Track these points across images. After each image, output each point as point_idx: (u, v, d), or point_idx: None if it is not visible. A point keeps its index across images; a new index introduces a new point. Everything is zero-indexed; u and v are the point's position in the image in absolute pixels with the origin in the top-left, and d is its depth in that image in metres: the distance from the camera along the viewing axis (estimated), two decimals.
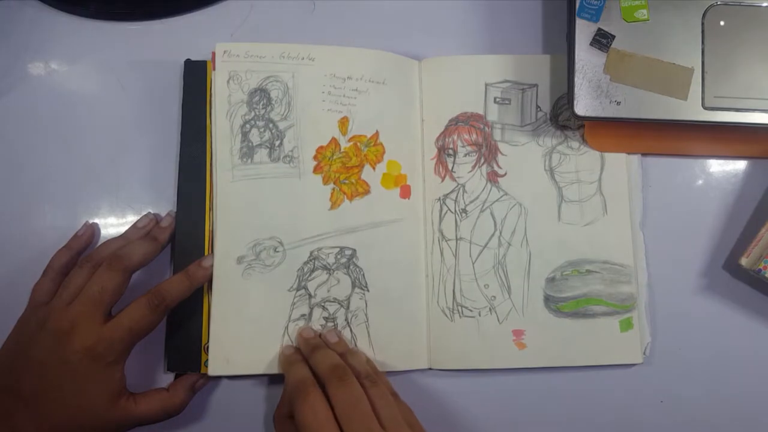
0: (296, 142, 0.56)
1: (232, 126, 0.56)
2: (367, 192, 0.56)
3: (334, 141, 0.56)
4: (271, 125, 0.56)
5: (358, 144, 0.56)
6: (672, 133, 0.58)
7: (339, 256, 0.55)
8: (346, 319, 0.55)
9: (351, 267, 0.55)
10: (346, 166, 0.56)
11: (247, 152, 0.55)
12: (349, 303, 0.55)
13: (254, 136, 0.56)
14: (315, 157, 0.56)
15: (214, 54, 0.56)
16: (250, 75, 0.56)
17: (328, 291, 0.55)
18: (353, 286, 0.55)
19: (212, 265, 0.53)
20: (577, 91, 0.54)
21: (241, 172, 0.55)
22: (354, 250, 0.55)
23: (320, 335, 0.53)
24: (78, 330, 0.46)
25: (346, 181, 0.56)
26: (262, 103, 0.56)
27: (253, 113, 0.56)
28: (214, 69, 0.56)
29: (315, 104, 0.56)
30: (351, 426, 0.44)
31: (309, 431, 0.44)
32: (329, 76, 0.57)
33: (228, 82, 0.56)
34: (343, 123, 0.56)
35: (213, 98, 0.56)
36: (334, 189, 0.56)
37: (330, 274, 0.55)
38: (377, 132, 0.57)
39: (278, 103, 0.56)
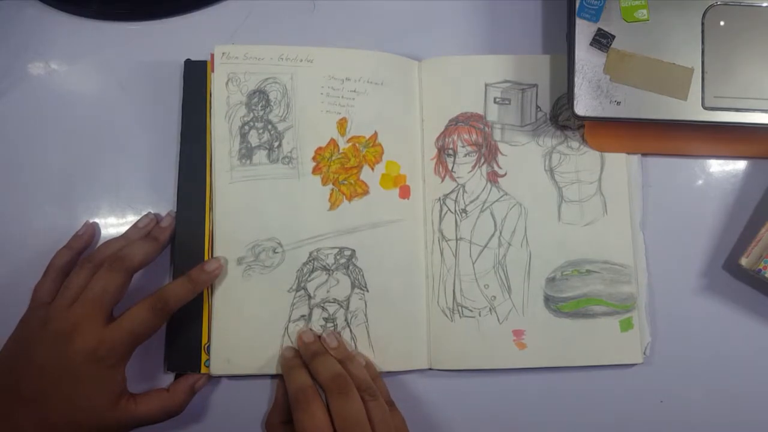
0: (295, 143, 0.56)
1: (231, 127, 0.56)
2: (365, 192, 0.56)
3: (332, 142, 0.56)
4: (269, 126, 0.56)
5: (357, 145, 0.56)
6: (672, 133, 0.58)
7: (338, 257, 0.55)
8: (346, 320, 0.55)
9: (350, 267, 0.55)
10: (344, 166, 0.56)
11: (246, 153, 0.55)
12: (348, 303, 0.55)
13: (253, 138, 0.56)
14: (314, 158, 0.56)
15: (212, 56, 0.56)
16: (248, 77, 0.56)
17: (328, 291, 0.55)
18: (353, 286, 0.55)
19: (216, 269, 0.52)
20: (577, 91, 0.54)
21: (240, 173, 0.55)
22: (353, 251, 0.55)
23: (320, 338, 0.54)
24: (80, 332, 0.46)
25: (345, 182, 0.56)
26: (260, 104, 0.56)
27: (251, 115, 0.56)
28: (212, 71, 0.56)
29: (313, 105, 0.56)
30: None
31: None
32: (327, 77, 0.57)
33: (227, 83, 0.56)
34: (342, 124, 0.56)
35: (212, 100, 0.56)
36: (333, 190, 0.56)
37: (329, 274, 0.55)
38: (376, 133, 0.57)
39: (277, 104, 0.56)
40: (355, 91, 0.57)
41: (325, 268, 0.55)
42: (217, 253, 0.54)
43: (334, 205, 0.55)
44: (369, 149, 0.56)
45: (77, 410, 0.46)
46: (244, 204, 0.55)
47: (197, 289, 0.51)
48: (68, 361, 0.46)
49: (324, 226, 0.55)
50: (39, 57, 0.58)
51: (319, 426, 0.46)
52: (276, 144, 0.56)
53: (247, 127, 0.56)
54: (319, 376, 0.49)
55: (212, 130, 0.56)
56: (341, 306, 0.55)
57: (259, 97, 0.56)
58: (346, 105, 0.57)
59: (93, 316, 0.47)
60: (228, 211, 0.55)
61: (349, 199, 0.56)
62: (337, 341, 0.53)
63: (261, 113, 0.56)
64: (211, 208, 0.55)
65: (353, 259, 0.55)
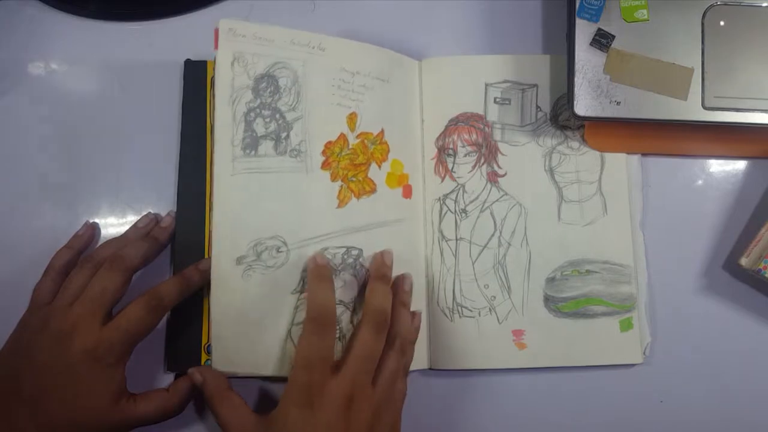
0: (304, 136, 0.53)
1: (235, 113, 0.52)
2: (373, 191, 0.54)
3: (342, 137, 0.54)
4: (278, 115, 0.53)
5: (366, 141, 0.55)
6: (672, 133, 0.58)
7: (345, 256, 0.53)
8: (351, 323, 0.52)
9: (357, 267, 0.53)
10: (354, 163, 0.54)
11: (251, 143, 0.52)
12: (354, 306, 0.53)
13: (259, 126, 0.52)
14: (323, 153, 0.53)
15: (216, 31, 0.52)
16: (257, 59, 0.52)
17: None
18: (359, 287, 0.53)
19: (209, 269, 0.51)
20: (577, 91, 0.54)
21: (243, 164, 0.51)
22: (360, 250, 0.54)
23: (398, 277, 0.54)
24: (79, 331, 0.46)
25: (354, 179, 0.54)
26: (269, 90, 0.52)
27: (259, 101, 0.52)
28: (216, 48, 0.52)
29: (325, 97, 0.54)
30: (348, 367, 0.47)
31: (304, 359, 0.47)
32: (339, 69, 0.54)
33: (232, 63, 0.52)
34: (352, 119, 0.54)
35: (214, 81, 0.52)
36: (342, 186, 0.53)
37: (336, 275, 0.52)
38: (382, 130, 0.56)
39: (287, 91, 0.53)
40: (364, 86, 0.55)
41: (332, 269, 0.52)
42: (215, 249, 0.51)
43: (342, 202, 0.53)
44: (376, 146, 0.55)
45: (77, 410, 0.46)
46: (247, 198, 0.51)
47: (191, 288, 0.51)
48: (68, 361, 0.45)
49: (332, 225, 0.53)
50: (39, 57, 0.58)
51: (323, 353, 0.47)
52: (284, 135, 0.53)
53: (252, 114, 0.52)
54: (371, 300, 0.50)
55: (214, 116, 0.52)
56: (347, 308, 0.53)
57: (267, 81, 0.53)
58: (356, 99, 0.55)
59: (92, 315, 0.47)
60: (228, 206, 0.51)
61: (358, 196, 0.54)
62: (410, 288, 0.53)
63: (269, 100, 0.52)
64: (210, 205, 0.54)
65: (360, 259, 0.53)
